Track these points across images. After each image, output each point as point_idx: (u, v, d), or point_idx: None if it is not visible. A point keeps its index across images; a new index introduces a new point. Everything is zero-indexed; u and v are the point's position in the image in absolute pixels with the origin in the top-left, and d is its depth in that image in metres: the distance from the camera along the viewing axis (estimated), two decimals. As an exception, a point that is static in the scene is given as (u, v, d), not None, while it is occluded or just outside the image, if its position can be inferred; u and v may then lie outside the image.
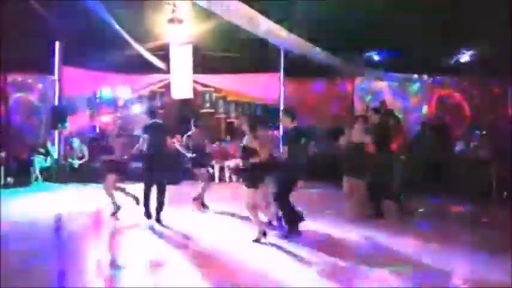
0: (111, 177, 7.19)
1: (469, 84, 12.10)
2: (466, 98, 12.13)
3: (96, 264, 4.99)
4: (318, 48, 9.38)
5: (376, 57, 12.12)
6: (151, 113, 7.40)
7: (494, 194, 8.89)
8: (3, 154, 10.66)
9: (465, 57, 11.21)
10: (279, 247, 5.51)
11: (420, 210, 7.86)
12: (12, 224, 6.65)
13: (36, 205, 8.51)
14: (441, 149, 9.77)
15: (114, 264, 5.01)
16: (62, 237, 6.57)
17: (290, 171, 6.08)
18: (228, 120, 13.67)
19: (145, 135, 7.00)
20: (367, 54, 12.12)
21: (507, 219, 7.04)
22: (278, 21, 8.20)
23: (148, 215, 6.92)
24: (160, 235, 6.31)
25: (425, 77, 12.21)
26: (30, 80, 12.11)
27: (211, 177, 10.37)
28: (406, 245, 5.69)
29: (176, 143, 8.23)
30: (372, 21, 9.53)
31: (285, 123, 6.51)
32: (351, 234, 6.18)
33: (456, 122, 11.97)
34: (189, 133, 8.18)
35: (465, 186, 8.94)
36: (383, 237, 6.03)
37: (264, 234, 5.69)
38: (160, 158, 7.02)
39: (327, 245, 5.63)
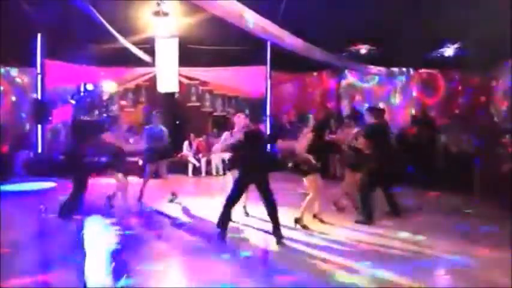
0: None
1: (453, 77, 12.17)
2: (449, 91, 12.20)
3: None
4: (304, 42, 9.35)
5: (362, 51, 12.14)
6: (92, 107, 7.08)
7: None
8: None
9: (449, 51, 11.31)
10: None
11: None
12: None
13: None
14: (427, 141, 9.90)
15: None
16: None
17: None
18: (215, 114, 13.63)
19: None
20: (353, 48, 12.14)
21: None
22: (265, 15, 8.14)
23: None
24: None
25: (410, 70, 12.26)
26: (12, 73, 11.87)
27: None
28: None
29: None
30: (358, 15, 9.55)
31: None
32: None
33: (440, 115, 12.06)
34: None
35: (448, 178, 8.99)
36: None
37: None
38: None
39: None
